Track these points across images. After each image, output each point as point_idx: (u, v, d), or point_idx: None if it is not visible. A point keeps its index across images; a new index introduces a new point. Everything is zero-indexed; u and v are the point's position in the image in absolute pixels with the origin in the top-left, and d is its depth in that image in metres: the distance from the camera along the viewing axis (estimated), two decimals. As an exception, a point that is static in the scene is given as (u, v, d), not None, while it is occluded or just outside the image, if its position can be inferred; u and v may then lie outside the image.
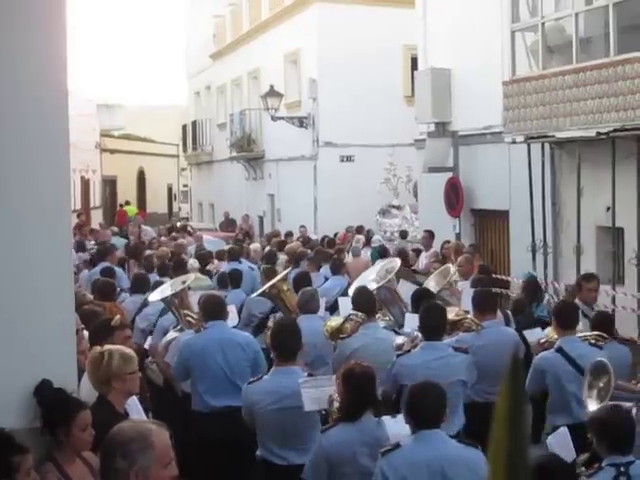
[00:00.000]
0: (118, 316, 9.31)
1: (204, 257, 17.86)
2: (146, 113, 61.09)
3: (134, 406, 6.71)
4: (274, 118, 29.08)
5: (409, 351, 8.53)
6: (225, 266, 16.35)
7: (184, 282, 10.60)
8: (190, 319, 9.86)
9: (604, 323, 9.55)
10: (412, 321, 9.45)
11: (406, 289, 11.04)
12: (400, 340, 9.09)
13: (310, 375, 7.62)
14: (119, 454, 4.05)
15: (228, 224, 33.55)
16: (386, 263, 11.88)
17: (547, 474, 5.35)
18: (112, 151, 53.86)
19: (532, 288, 13.11)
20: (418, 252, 19.93)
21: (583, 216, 16.28)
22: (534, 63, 17.29)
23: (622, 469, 6.13)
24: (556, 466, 5.70)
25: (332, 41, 27.96)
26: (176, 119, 52.58)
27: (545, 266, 17.52)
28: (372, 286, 10.46)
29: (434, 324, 8.58)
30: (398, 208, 26.17)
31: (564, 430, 6.65)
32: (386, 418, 6.56)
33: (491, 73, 18.18)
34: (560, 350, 8.85)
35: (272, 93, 29.05)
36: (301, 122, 29.37)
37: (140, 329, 11.65)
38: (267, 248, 19.84)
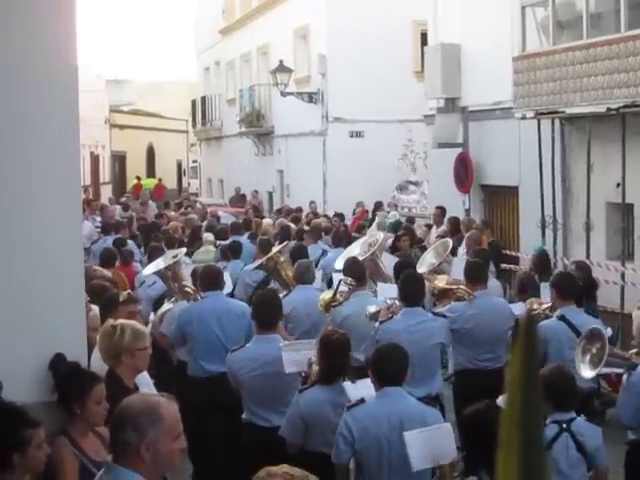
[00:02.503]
0: (127, 291, 9.38)
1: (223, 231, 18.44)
2: (155, 89, 61.05)
3: (144, 380, 6.75)
4: (283, 94, 29.02)
5: (391, 317, 8.94)
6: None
7: (175, 256, 11.07)
8: (188, 289, 10.22)
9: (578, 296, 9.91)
10: (385, 290, 10.11)
11: (389, 261, 11.82)
12: (373, 309, 9.41)
13: None
14: (130, 427, 4.08)
15: (238, 199, 33.53)
16: (368, 238, 12.51)
17: (480, 421, 5.51)
18: (121, 127, 53.87)
19: (542, 262, 13.13)
20: (431, 228, 19.96)
21: (593, 192, 16.25)
22: (544, 39, 17.23)
23: (564, 426, 6.42)
24: (490, 412, 5.72)
25: (341, 16, 27.85)
26: (185, 95, 52.54)
27: (554, 242, 17.50)
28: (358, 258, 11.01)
29: (413, 291, 9.07)
30: (416, 184, 26.07)
31: None
32: (346, 384, 7.00)
33: (501, 49, 18.12)
34: (563, 318, 9.18)
35: (281, 69, 29.00)
36: (310, 98, 29.30)
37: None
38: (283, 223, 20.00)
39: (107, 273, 11.62)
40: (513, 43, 17.77)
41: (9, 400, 5.06)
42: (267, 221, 20.99)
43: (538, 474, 1.33)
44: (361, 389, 6.86)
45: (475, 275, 10.18)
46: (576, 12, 16.50)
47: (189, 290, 10.23)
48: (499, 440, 1.33)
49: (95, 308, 8.18)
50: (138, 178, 49.20)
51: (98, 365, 6.50)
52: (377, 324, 8.90)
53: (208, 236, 17.37)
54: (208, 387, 9.05)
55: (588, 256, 15.94)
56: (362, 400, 6.54)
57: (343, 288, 10.19)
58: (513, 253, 18.19)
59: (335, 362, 7.14)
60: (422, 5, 22.79)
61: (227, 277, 10.95)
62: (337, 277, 10.87)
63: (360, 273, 10.35)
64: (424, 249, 15.29)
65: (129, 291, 9.72)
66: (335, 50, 28.05)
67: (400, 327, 8.66)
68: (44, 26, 5.59)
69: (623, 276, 15.39)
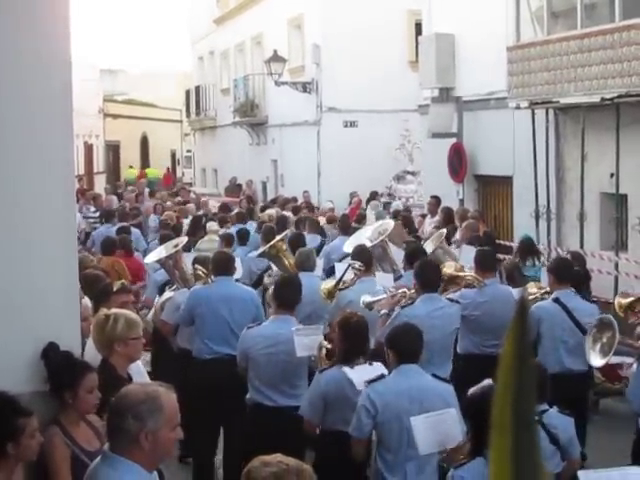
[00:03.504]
0: (122, 281, 9.38)
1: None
2: (149, 78, 60.84)
3: (137, 370, 6.77)
4: (277, 83, 29.00)
5: (411, 303, 9.10)
6: (232, 228, 17.34)
7: (176, 245, 11.26)
8: (200, 272, 10.42)
9: (577, 280, 10.22)
10: (382, 280, 10.40)
11: (394, 249, 12.06)
12: (369, 298, 9.56)
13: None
14: (130, 415, 4.10)
15: (234, 189, 33.46)
16: (379, 226, 12.73)
17: (486, 403, 5.47)
18: (115, 116, 53.73)
19: (525, 249, 13.25)
20: (425, 217, 19.97)
21: (587, 182, 16.27)
22: (539, 29, 17.22)
23: (537, 417, 6.28)
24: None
25: (336, 6, 27.80)
26: (179, 84, 52.44)
27: (548, 232, 17.53)
28: (367, 244, 11.33)
29: (432, 277, 9.27)
30: (413, 174, 26.00)
31: None
32: (346, 368, 7.22)
33: (495, 38, 18.10)
34: (557, 301, 9.43)
35: (276, 58, 28.96)
36: (304, 87, 29.27)
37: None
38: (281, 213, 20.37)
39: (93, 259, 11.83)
40: (507, 33, 17.76)
41: (1, 389, 5.06)
42: (270, 212, 21.13)
43: (531, 456, 1.34)
44: (360, 373, 7.11)
45: (486, 263, 10.42)
46: (570, 2, 16.49)
47: (200, 274, 10.41)
48: (492, 422, 1.34)
49: (86, 298, 8.19)
50: (143, 167, 49.44)
51: (91, 354, 6.50)
52: (397, 309, 9.06)
53: (212, 225, 17.68)
54: (211, 368, 9.27)
55: (582, 246, 15.98)
56: (382, 376, 6.85)
57: (348, 276, 10.39)
58: (507, 243, 18.20)
59: (354, 343, 7.36)
60: (416, -6, 22.80)
61: (238, 263, 11.33)
62: (339, 267, 11.11)
63: (368, 259, 10.63)
64: (418, 239, 15.33)
65: (123, 281, 9.74)
66: (329, 40, 28.00)
67: (422, 313, 8.81)
68: (38, 15, 5.58)
69: (617, 266, 15.42)
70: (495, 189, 20.12)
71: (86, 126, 43.64)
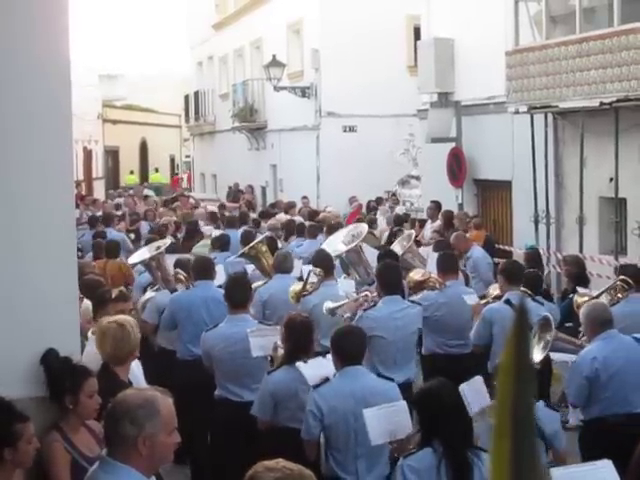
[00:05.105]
0: (121, 288, 9.42)
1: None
2: (148, 83, 60.81)
3: (136, 374, 6.80)
4: (276, 88, 29.00)
5: (373, 305, 9.33)
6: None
7: (159, 247, 11.50)
8: (180, 276, 10.66)
9: (534, 283, 10.39)
10: (344, 285, 10.58)
11: (369, 252, 12.14)
12: (331, 305, 9.72)
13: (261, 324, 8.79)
14: (127, 420, 4.08)
15: (235, 195, 33.37)
16: (352, 229, 12.81)
17: (434, 397, 5.90)
18: (114, 121, 53.77)
19: (534, 260, 13.21)
20: (424, 223, 19.89)
21: (586, 186, 16.27)
22: (537, 33, 17.23)
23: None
24: (443, 389, 6.05)
25: (335, 11, 27.80)
26: (178, 89, 52.40)
27: (548, 236, 17.53)
28: (341, 248, 11.57)
29: (392, 280, 9.50)
30: (418, 178, 25.94)
31: (479, 378, 6.99)
32: (299, 363, 7.41)
33: (494, 43, 18.12)
34: (508, 302, 9.52)
35: (275, 63, 28.96)
36: (304, 92, 29.27)
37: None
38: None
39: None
40: (506, 37, 17.77)
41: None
42: (280, 216, 21.20)
43: (530, 461, 1.34)
44: (314, 367, 7.33)
45: (446, 266, 10.65)
46: (569, 6, 16.52)
47: (181, 277, 10.61)
48: (492, 429, 1.35)
49: (86, 300, 8.24)
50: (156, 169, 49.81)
51: (90, 359, 6.49)
52: (360, 312, 9.24)
53: (208, 230, 17.62)
54: (195, 368, 9.39)
55: (581, 250, 15.98)
56: (327, 379, 7.02)
57: (313, 279, 10.62)
58: (506, 247, 18.21)
59: (299, 343, 7.56)
60: (415, -1, 22.81)
61: (220, 268, 11.57)
62: (306, 269, 11.29)
63: (327, 264, 10.83)
64: (418, 244, 15.27)
65: (122, 288, 9.79)
66: (328, 45, 28.01)
67: (384, 314, 9.11)
68: (36, 21, 5.58)
69: (616, 270, 15.41)
70: (494, 194, 20.13)
71: (85, 131, 43.65)
